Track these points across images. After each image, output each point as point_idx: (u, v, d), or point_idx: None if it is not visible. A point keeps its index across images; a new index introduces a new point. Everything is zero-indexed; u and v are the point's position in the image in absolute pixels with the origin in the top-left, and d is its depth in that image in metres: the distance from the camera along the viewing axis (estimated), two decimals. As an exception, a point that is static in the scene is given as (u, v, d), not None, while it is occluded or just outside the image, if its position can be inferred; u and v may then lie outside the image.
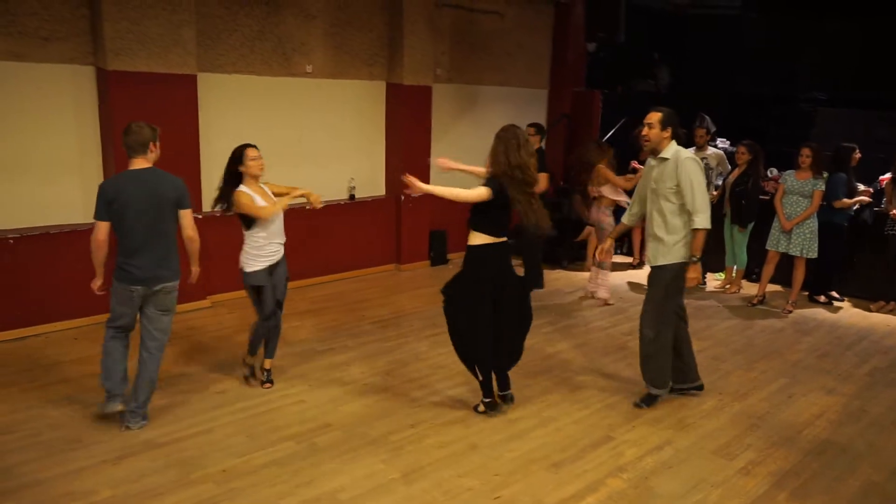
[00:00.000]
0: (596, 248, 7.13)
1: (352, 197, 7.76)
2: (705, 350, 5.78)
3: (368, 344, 5.75)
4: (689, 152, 4.52)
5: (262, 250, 4.55)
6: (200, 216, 6.20)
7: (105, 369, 4.22)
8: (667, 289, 4.53)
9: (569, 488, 3.75)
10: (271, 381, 4.84)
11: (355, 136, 7.78)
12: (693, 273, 4.45)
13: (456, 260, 8.40)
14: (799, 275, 7.01)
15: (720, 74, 10.40)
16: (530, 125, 7.24)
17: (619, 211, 6.72)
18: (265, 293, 4.60)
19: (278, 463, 3.90)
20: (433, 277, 7.87)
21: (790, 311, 6.99)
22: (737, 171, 7.36)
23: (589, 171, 7.09)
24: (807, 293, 7.40)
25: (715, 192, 7.57)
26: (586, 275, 7.58)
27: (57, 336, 5.65)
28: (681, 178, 4.36)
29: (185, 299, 6.08)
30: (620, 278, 7.98)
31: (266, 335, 4.77)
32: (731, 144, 8.75)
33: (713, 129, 7.98)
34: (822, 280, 7.36)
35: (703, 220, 4.35)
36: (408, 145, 7.91)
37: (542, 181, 6.98)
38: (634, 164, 7.63)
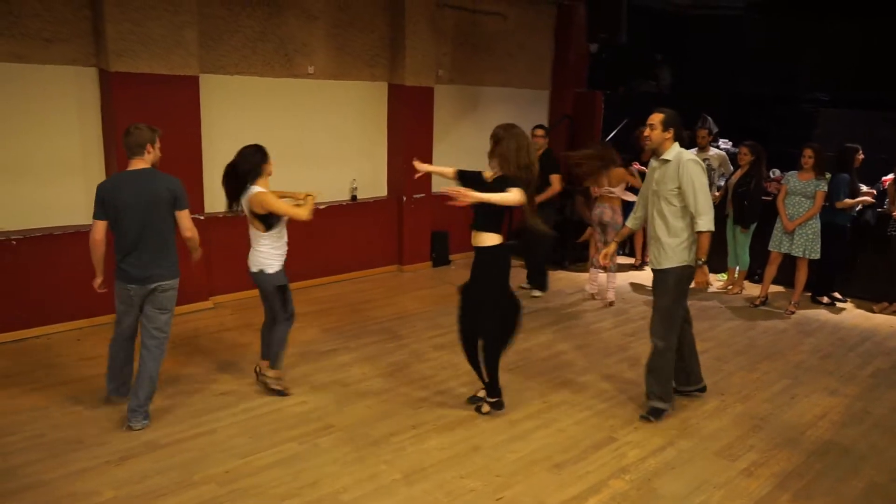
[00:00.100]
0: (598, 248, 7.18)
1: (354, 198, 7.77)
2: (708, 351, 5.78)
3: (370, 345, 5.75)
4: (692, 154, 4.46)
5: (280, 249, 4.56)
6: (203, 217, 6.25)
7: (110, 369, 4.42)
8: (673, 294, 4.44)
9: (571, 489, 3.74)
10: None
11: (357, 137, 7.79)
12: (701, 277, 4.40)
13: (458, 261, 8.40)
14: (801, 276, 7.00)
15: (722, 75, 10.40)
16: (539, 127, 7.23)
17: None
18: (288, 291, 4.62)
19: (281, 464, 3.90)
20: (435, 278, 7.88)
21: (793, 312, 6.98)
22: (739, 172, 7.36)
23: (602, 172, 6.97)
24: (809, 294, 7.40)
25: (717, 193, 7.58)
26: (587, 275, 7.57)
27: (59, 337, 5.65)
28: (682, 181, 4.30)
29: (188, 300, 6.11)
30: (622, 279, 7.97)
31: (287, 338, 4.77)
32: (734, 145, 8.76)
33: (715, 129, 7.99)
34: (825, 281, 7.35)
35: (706, 223, 4.29)
36: (410, 146, 7.89)
37: (556, 182, 7.01)
38: (636, 165, 7.63)
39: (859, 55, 9.52)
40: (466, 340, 4.53)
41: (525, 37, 9.21)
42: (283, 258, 4.59)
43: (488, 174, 4.44)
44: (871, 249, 7.35)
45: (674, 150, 4.40)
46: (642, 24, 9.63)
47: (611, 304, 7.05)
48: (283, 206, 4.41)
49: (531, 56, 9.37)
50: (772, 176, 7.92)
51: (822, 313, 7.09)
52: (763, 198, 7.37)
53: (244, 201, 4.45)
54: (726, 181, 7.58)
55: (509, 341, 4.55)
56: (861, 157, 7.11)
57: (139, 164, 4.12)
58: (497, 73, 9.00)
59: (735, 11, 10.40)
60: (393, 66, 7.81)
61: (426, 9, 7.73)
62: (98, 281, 4.28)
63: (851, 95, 9.43)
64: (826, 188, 6.75)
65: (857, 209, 7.23)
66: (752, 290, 7.64)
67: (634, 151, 7.92)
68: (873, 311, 7.16)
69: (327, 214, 7.25)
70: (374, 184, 8.03)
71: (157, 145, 4.21)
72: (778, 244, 7.01)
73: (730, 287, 7.73)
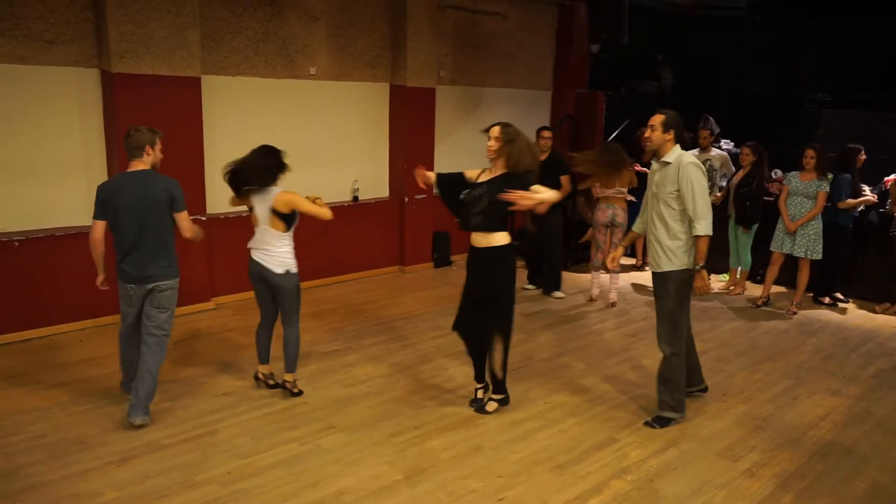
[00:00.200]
0: (600, 248, 7.16)
1: (355, 199, 7.78)
2: (709, 351, 5.78)
3: (373, 346, 5.75)
4: (693, 156, 4.37)
5: (294, 249, 4.60)
6: (205, 218, 6.25)
7: (122, 365, 4.55)
8: (675, 298, 4.37)
9: (573, 490, 3.74)
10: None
11: (359, 138, 7.79)
12: (699, 282, 4.31)
13: (459, 262, 8.39)
14: (803, 276, 7.00)
15: (723, 76, 10.40)
16: (545, 129, 7.18)
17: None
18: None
19: (283, 464, 3.90)
20: (437, 279, 7.88)
21: (795, 313, 6.97)
22: (741, 173, 7.35)
23: (616, 175, 6.88)
24: (811, 294, 7.39)
25: (719, 194, 7.58)
26: (590, 276, 7.57)
27: (62, 338, 5.66)
28: (682, 184, 4.23)
29: (189, 301, 6.12)
30: (623, 280, 7.97)
31: None
32: (735, 146, 8.76)
33: (717, 130, 7.98)
34: (827, 281, 7.35)
35: (704, 227, 4.22)
36: (411, 147, 7.91)
37: (566, 183, 6.95)
38: (637, 166, 7.62)
39: (860, 55, 9.51)
40: (473, 341, 4.54)
41: (526, 37, 9.21)
42: None
43: (472, 173, 4.40)
44: (873, 250, 7.35)
45: (674, 153, 4.33)
46: (644, 25, 9.63)
47: (613, 304, 7.06)
48: (310, 206, 4.47)
49: (532, 57, 9.38)
50: (774, 176, 7.91)
51: (824, 314, 7.08)
52: (765, 198, 7.36)
53: (265, 201, 4.45)
54: (728, 182, 7.58)
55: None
56: (863, 157, 7.11)
57: (138, 165, 4.18)
58: (498, 73, 9.00)
59: (736, 12, 10.39)
60: (394, 66, 7.82)
61: (427, 9, 7.74)
62: (100, 279, 4.36)
63: (853, 95, 9.41)
64: (828, 189, 6.75)
65: (860, 209, 7.22)
66: (754, 290, 7.63)
67: (635, 153, 7.91)
68: (875, 312, 7.15)
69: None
70: (375, 185, 8.04)
71: (158, 147, 4.24)
72: (780, 245, 7.00)
73: (732, 288, 7.73)
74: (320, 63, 7.23)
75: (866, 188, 7.20)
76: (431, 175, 4.58)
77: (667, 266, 4.37)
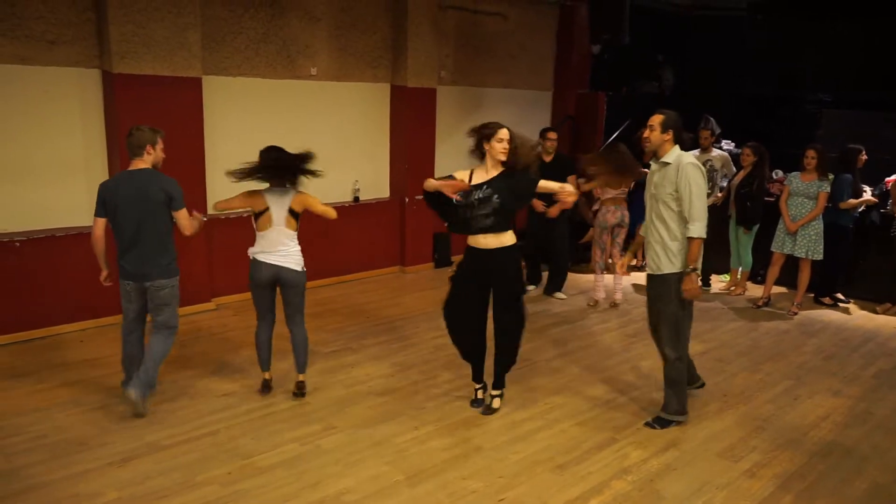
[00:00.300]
0: (604, 250, 7.13)
1: (356, 199, 7.78)
2: (710, 352, 5.78)
3: (374, 346, 5.75)
4: (692, 157, 4.30)
5: None
6: (205, 218, 6.23)
7: (123, 364, 4.56)
8: (677, 300, 4.31)
9: (573, 490, 3.74)
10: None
11: (359, 139, 7.80)
12: (688, 285, 4.20)
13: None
14: (804, 276, 7.00)
15: (724, 76, 10.39)
16: (550, 130, 7.15)
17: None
18: None
19: (283, 465, 3.90)
20: (437, 279, 7.88)
21: (795, 313, 6.97)
22: (742, 173, 7.35)
23: (626, 178, 6.81)
24: (812, 295, 7.39)
25: (720, 194, 7.57)
26: (590, 276, 7.56)
27: (63, 338, 5.67)
28: (680, 184, 4.17)
29: (190, 301, 6.12)
30: (624, 280, 7.95)
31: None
32: (736, 146, 8.74)
33: (718, 130, 7.96)
34: (828, 282, 7.34)
35: (698, 230, 4.16)
36: (412, 148, 7.92)
37: (574, 183, 6.93)
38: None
39: (861, 55, 9.51)
40: (474, 342, 4.53)
41: (527, 38, 9.21)
42: None
43: (462, 175, 4.34)
44: (875, 250, 7.34)
45: (673, 153, 4.28)
46: (644, 25, 9.63)
47: (615, 304, 7.05)
48: (323, 206, 4.56)
49: (533, 57, 9.38)
50: (774, 177, 7.91)
51: (824, 314, 7.07)
52: (766, 199, 7.36)
53: (283, 201, 4.45)
54: (729, 182, 7.57)
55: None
56: (864, 157, 7.10)
57: (139, 164, 4.24)
58: (499, 74, 9.00)
59: (737, 12, 10.39)
60: (395, 67, 7.82)
61: (428, 10, 7.74)
62: (104, 274, 4.43)
63: (854, 96, 9.41)
64: (829, 189, 6.74)
65: (861, 210, 7.22)
66: (755, 291, 7.63)
67: (636, 153, 7.89)
68: (876, 312, 7.14)
69: (330, 216, 7.25)
70: (376, 185, 8.04)
71: (159, 146, 4.29)
72: (781, 245, 7.00)
73: (732, 288, 7.72)
74: (321, 63, 7.23)
75: (867, 188, 7.20)
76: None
77: (667, 268, 4.31)
